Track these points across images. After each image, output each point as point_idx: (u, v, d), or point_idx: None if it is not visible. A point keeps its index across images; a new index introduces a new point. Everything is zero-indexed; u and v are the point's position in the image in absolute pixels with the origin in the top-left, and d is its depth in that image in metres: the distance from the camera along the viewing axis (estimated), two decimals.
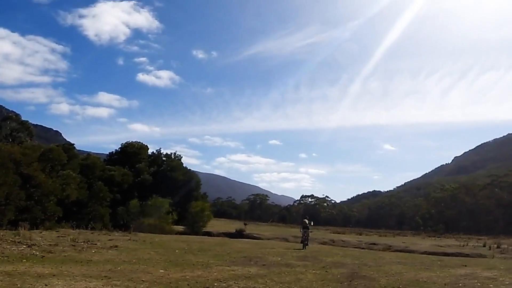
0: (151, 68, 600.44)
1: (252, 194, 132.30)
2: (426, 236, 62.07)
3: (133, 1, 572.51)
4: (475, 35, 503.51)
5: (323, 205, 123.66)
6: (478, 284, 10.99)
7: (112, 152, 59.31)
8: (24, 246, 14.66)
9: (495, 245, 35.50)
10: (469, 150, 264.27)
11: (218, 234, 41.41)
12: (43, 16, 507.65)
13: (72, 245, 16.33)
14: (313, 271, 12.74)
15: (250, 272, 12.05)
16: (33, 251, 13.86)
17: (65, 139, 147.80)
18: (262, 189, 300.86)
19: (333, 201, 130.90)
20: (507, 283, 11.29)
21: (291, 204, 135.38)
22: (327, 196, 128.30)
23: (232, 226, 51.79)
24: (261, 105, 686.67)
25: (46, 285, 8.52)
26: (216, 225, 51.71)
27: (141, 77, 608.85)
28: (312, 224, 25.78)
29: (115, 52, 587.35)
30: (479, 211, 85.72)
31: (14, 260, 11.59)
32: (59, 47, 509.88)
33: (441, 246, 36.38)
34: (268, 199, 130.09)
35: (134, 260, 13.38)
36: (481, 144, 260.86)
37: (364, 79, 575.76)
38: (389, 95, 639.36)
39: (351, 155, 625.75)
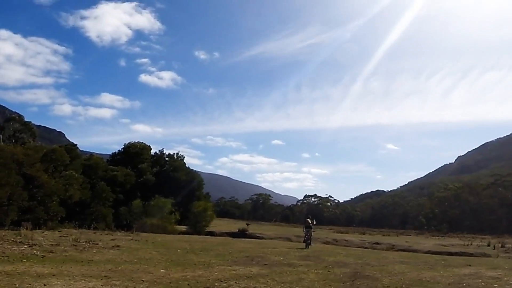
0: (153, 69, 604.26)
1: (255, 194, 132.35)
2: (429, 235, 61.83)
3: (135, 2, 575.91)
4: (476, 35, 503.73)
5: (326, 205, 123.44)
6: (482, 283, 10.85)
7: (115, 152, 59.49)
8: (25, 246, 14.63)
9: (499, 245, 35.30)
10: (473, 150, 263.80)
11: (221, 234, 41.32)
12: (45, 17, 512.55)
13: (73, 245, 16.31)
14: (315, 271, 12.62)
15: (252, 271, 11.95)
16: (34, 251, 13.83)
17: (68, 140, 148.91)
18: (265, 189, 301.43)
19: (336, 201, 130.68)
20: None
21: (294, 204, 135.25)
22: (330, 196, 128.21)
23: (235, 226, 51.74)
24: (263, 105, 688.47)
25: (45, 285, 8.47)
26: (219, 225, 51.62)
27: (143, 78, 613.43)
28: (315, 223, 25.72)
29: (117, 53, 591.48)
30: (482, 210, 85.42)
31: (14, 260, 11.55)
32: (61, 49, 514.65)
33: (444, 246, 36.24)
34: (271, 199, 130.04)
35: (135, 260, 13.32)
36: (485, 143, 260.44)
37: (366, 79, 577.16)
38: (391, 95, 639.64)
39: (354, 155, 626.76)
